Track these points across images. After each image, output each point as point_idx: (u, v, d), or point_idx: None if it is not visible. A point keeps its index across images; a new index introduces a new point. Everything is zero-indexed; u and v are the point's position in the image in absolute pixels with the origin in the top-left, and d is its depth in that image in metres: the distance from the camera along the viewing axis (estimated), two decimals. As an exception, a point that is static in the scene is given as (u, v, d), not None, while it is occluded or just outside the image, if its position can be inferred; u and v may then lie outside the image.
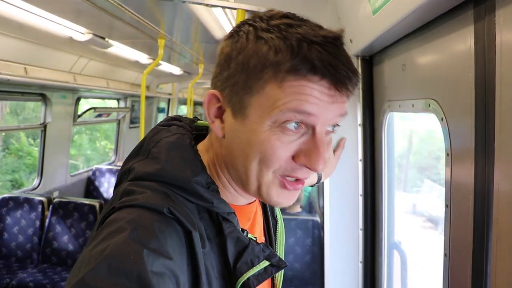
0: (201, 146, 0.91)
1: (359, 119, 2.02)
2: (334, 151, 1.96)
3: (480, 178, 1.00)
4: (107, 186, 6.96)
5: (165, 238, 0.69)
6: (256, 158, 0.78)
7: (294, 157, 0.79)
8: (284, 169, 0.80)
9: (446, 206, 1.19)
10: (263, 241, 1.04)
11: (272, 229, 1.10)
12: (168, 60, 6.71)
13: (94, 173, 7.04)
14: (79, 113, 6.34)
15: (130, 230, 0.66)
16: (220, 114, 0.84)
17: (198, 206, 0.81)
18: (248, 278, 0.81)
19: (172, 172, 0.80)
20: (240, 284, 0.81)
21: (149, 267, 0.62)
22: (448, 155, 1.17)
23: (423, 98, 1.32)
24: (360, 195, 2.08)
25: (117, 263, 0.61)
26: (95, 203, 4.80)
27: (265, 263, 0.84)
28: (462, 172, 1.11)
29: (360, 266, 2.12)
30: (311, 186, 1.60)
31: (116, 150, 8.24)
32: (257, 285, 0.82)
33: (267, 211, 1.10)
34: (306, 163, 0.78)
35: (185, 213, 0.75)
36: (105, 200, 6.40)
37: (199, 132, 0.98)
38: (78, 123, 6.50)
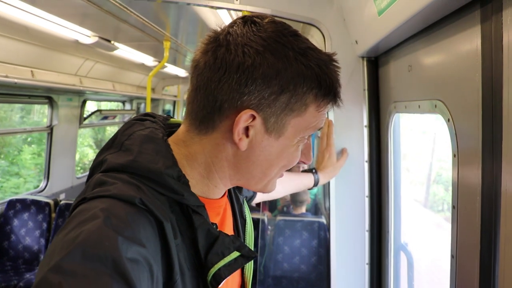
0: (172, 141, 0.91)
1: (365, 121, 2.02)
2: (338, 159, 1.99)
3: (488, 179, 1.00)
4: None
5: (138, 227, 0.69)
6: (281, 165, 0.91)
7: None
8: None
9: (453, 207, 1.18)
10: None
11: (240, 228, 1.12)
12: (174, 62, 6.72)
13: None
14: (85, 115, 6.37)
15: (103, 217, 0.66)
16: (246, 131, 0.85)
17: (169, 198, 0.82)
18: (219, 269, 0.83)
19: (144, 164, 0.81)
20: (211, 275, 0.82)
21: (124, 254, 0.62)
22: (455, 156, 1.16)
23: (429, 99, 1.31)
24: (366, 197, 2.07)
25: (91, 249, 0.61)
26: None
27: (236, 254, 0.86)
28: (469, 173, 1.10)
29: (367, 267, 2.11)
30: (309, 189, 1.64)
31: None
32: (228, 276, 0.84)
33: (236, 210, 1.12)
34: (304, 160, 0.96)
35: (157, 205, 0.76)
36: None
37: (171, 130, 0.98)
38: (84, 125, 6.52)
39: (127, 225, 0.68)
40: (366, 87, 1.95)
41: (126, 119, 8.03)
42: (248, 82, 0.80)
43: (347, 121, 1.98)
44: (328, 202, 2.15)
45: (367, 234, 2.08)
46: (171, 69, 7.31)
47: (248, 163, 0.89)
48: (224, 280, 0.84)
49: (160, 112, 9.64)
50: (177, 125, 1.00)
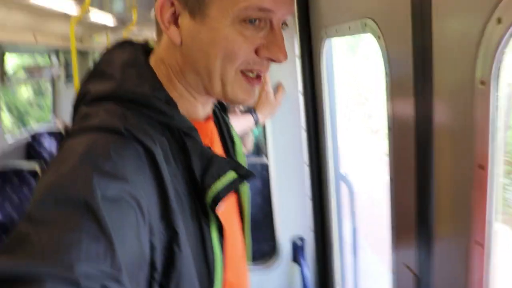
0: (153, 63, 0.88)
1: (297, 50, 1.93)
2: (275, 95, 1.91)
3: (421, 96, 0.95)
4: (49, 151, 6.57)
5: (122, 160, 0.67)
6: (220, 55, 0.79)
7: (257, 51, 0.81)
8: (247, 63, 0.82)
9: (389, 129, 1.13)
10: None
11: (231, 150, 1.09)
12: (100, 7, 6.31)
13: (34, 138, 6.62)
14: (7, 72, 5.89)
15: (81, 154, 0.65)
16: (174, 20, 0.82)
17: (160, 123, 0.79)
18: (216, 190, 0.81)
19: (129, 89, 0.79)
20: (210, 197, 0.81)
21: (102, 192, 0.60)
22: (387, 74, 1.10)
23: (359, 18, 1.24)
24: (303, 129, 2.02)
25: (64, 192, 0.59)
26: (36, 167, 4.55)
27: (232, 174, 0.84)
28: (401, 91, 1.05)
29: (309, 201, 2.10)
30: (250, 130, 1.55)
31: (54, 111, 7.79)
32: (226, 195, 0.83)
33: (224, 133, 1.09)
34: (269, 55, 0.81)
35: (145, 131, 0.74)
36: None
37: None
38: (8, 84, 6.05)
39: (108, 158, 0.65)
40: (296, 14, 1.84)
41: (55, 74, 7.56)
42: None
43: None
44: (264, 138, 2.09)
45: (306, 168, 2.05)
46: (98, 16, 6.87)
47: (190, 59, 0.83)
48: (223, 203, 0.82)
49: (91, 64, 9.15)
50: None
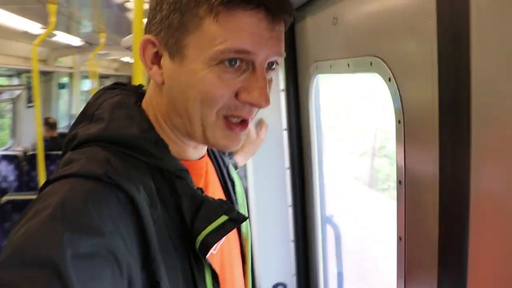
0: (144, 105, 0.88)
1: (282, 84, 1.81)
2: (257, 133, 1.75)
3: (450, 150, 0.82)
4: (5, 176, 6.22)
5: (100, 210, 0.64)
6: (198, 99, 0.77)
7: (237, 95, 0.77)
8: (228, 108, 0.78)
9: (399, 182, 1.00)
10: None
11: (230, 190, 1.07)
12: (67, 30, 6.08)
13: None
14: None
15: (54, 207, 0.62)
16: (157, 60, 0.82)
17: (149, 165, 0.78)
18: (207, 235, 0.78)
19: (117, 130, 0.78)
20: (199, 242, 0.78)
21: (73, 250, 0.57)
22: (399, 122, 0.97)
23: (362, 56, 1.11)
24: (287, 169, 1.89)
25: (30, 252, 0.57)
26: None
27: (224, 218, 0.81)
28: (419, 142, 0.92)
29: (292, 245, 1.95)
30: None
31: (14, 133, 7.44)
32: (215, 242, 0.79)
33: (223, 172, 1.07)
34: (249, 99, 0.77)
35: (129, 176, 0.72)
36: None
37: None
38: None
39: (83, 211, 0.63)
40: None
41: (15, 95, 7.23)
42: (150, 12, 0.81)
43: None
44: (246, 181, 1.94)
45: (290, 209, 1.91)
46: (64, 37, 6.63)
47: (172, 101, 0.82)
48: (215, 246, 0.79)
49: (55, 86, 8.85)
50: None
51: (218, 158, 1.07)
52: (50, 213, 0.61)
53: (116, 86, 0.93)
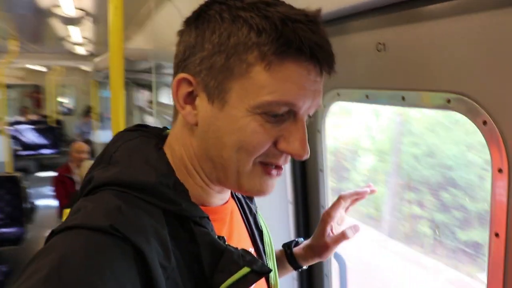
0: (165, 147, 0.85)
1: None
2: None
3: None
4: None
5: (102, 272, 0.59)
6: (236, 146, 0.74)
7: (276, 143, 0.75)
8: (266, 155, 0.76)
9: (496, 235, 0.88)
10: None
11: (258, 239, 1.02)
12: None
13: None
14: None
15: (48, 270, 0.58)
16: (191, 100, 0.79)
17: (166, 211, 0.74)
18: None
19: (133, 175, 0.75)
20: None
21: None
22: (500, 171, 0.85)
23: (435, 91, 0.97)
24: (290, 203, 1.73)
25: None
26: None
27: (246, 270, 0.76)
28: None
29: (295, 283, 1.81)
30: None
31: None
32: None
33: (249, 220, 1.02)
34: (290, 150, 0.75)
35: (139, 227, 0.68)
36: None
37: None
38: None
39: (81, 275, 0.58)
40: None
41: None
42: (186, 49, 0.78)
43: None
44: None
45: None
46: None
47: (204, 145, 0.78)
48: None
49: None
50: None
51: (244, 205, 1.02)
52: (46, 276, 0.57)
53: (137, 128, 0.91)
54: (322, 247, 1.16)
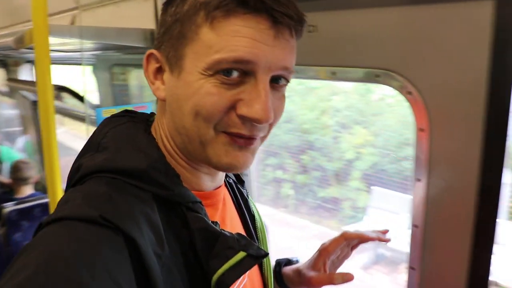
0: (153, 132, 0.83)
1: None
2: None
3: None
4: None
5: (92, 263, 0.57)
6: (192, 112, 0.72)
7: (236, 109, 0.71)
8: (226, 123, 0.72)
9: (418, 180, 1.04)
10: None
11: (250, 224, 0.99)
12: None
13: None
14: None
15: (36, 266, 0.55)
16: (161, 76, 0.78)
17: (158, 197, 0.72)
18: (223, 274, 0.72)
19: (123, 161, 0.73)
20: (214, 281, 0.72)
21: None
22: (421, 130, 1.02)
23: (365, 67, 1.11)
24: None
25: None
26: None
27: (242, 255, 0.74)
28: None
29: None
30: None
31: None
32: (234, 281, 0.73)
33: (241, 205, 1.00)
34: (246, 113, 0.70)
35: (130, 215, 0.66)
36: None
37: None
38: None
39: (71, 263, 0.56)
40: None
41: None
42: (157, 30, 0.79)
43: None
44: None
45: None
46: None
47: (172, 117, 0.77)
48: (234, 287, 0.75)
49: None
50: None
51: (235, 190, 1.00)
52: (32, 274, 0.54)
53: (125, 113, 0.87)
54: (307, 280, 1.06)
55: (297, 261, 1.16)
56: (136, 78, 2.80)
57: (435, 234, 0.99)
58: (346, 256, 1.11)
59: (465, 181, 0.91)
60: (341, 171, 6.69)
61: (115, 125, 0.81)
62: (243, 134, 0.73)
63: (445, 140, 0.95)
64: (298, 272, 1.10)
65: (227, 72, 0.69)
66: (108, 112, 1.55)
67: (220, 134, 0.73)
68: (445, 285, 1.00)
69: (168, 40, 0.74)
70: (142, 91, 2.79)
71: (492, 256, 0.91)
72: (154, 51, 0.77)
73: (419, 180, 1.03)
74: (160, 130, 0.81)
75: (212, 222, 0.77)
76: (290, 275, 1.12)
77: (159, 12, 0.79)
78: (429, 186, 1.00)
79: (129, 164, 0.72)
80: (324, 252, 1.06)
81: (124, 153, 0.74)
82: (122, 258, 0.61)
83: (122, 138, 0.77)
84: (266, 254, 0.77)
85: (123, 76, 2.85)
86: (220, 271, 0.72)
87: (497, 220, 0.88)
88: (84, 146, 0.81)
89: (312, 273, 1.05)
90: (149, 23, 1.66)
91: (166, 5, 0.77)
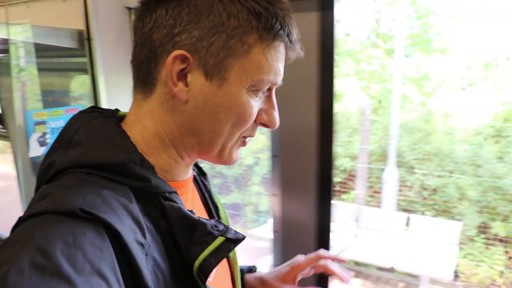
0: (125, 124, 0.82)
1: None
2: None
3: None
4: None
5: (75, 257, 0.56)
6: (231, 121, 0.78)
7: (256, 117, 0.81)
8: (249, 129, 0.82)
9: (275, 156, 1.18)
10: None
11: (215, 215, 1.02)
12: None
13: None
14: None
15: (12, 265, 0.52)
16: (183, 78, 0.77)
17: (134, 189, 0.73)
18: (205, 259, 0.74)
19: (98, 155, 0.72)
20: (196, 267, 0.74)
21: None
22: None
23: None
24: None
25: None
26: None
27: (221, 239, 0.76)
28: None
29: None
30: None
31: None
32: (216, 265, 0.75)
33: (205, 196, 1.03)
34: (267, 121, 0.82)
35: (109, 205, 0.65)
36: None
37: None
38: None
39: (53, 263, 0.54)
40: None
41: None
42: (177, 22, 0.75)
43: None
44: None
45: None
46: None
47: (194, 120, 0.79)
48: (214, 271, 0.76)
49: None
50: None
51: (199, 182, 1.03)
52: (10, 271, 0.52)
53: (93, 109, 0.87)
54: None
55: (256, 269, 1.23)
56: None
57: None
58: (307, 274, 1.16)
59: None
60: (241, 176, 6.91)
61: (86, 121, 0.81)
62: (252, 136, 0.86)
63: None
64: (261, 280, 1.16)
65: (266, 89, 0.81)
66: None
67: (239, 138, 0.83)
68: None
69: (207, 47, 0.75)
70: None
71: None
72: (185, 53, 0.75)
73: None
74: (158, 125, 0.81)
75: (189, 210, 0.79)
76: (252, 282, 1.17)
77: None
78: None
79: (104, 158, 0.72)
80: (297, 268, 1.13)
81: (98, 148, 0.74)
82: (105, 248, 0.61)
83: (94, 133, 0.78)
84: (244, 237, 0.80)
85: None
86: (201, 257, 0.74)
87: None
88: (54, 143, 0.80)
89: (282, 286, 1.12)
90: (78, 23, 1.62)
91: (191, 5, 0.76)
